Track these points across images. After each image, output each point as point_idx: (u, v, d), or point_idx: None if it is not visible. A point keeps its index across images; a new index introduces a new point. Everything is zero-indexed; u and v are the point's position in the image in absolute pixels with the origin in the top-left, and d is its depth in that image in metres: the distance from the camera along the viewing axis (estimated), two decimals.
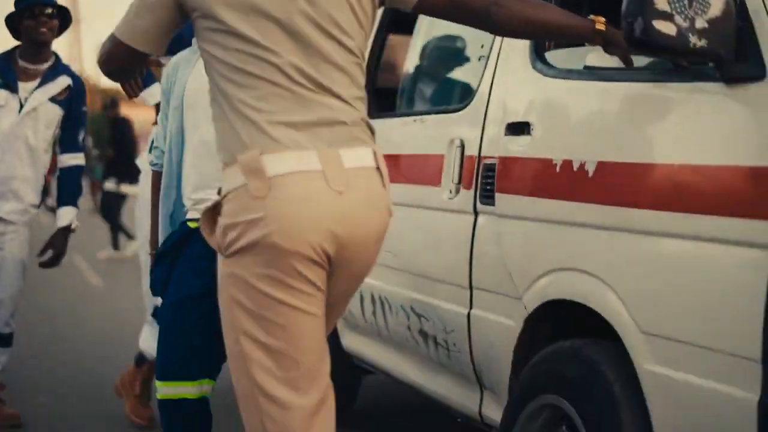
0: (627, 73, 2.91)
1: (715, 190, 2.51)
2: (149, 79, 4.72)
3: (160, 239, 3.77)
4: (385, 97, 4.76)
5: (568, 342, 3.08)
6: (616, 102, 2.96)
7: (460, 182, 3.71)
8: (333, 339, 4.98)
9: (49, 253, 4.90)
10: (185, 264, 3.57)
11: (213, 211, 2.58)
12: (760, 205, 2.38)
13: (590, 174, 2.97)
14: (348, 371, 5.07)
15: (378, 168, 2.61)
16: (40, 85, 4.88)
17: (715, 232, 2.49)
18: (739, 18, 2.53)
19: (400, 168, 4.23)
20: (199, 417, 3.63)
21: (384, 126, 4.54)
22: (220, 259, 2.57)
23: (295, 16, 2.50)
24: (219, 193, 2.58)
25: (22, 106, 4.81)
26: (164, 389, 3.59)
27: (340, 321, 4.92)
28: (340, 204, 2.49)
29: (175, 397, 3.58)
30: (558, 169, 3.12)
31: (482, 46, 3.77)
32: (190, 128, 3.60)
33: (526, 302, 3.27)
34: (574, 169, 3.03)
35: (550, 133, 3.23)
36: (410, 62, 4.53)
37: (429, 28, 4.41)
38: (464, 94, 3.86)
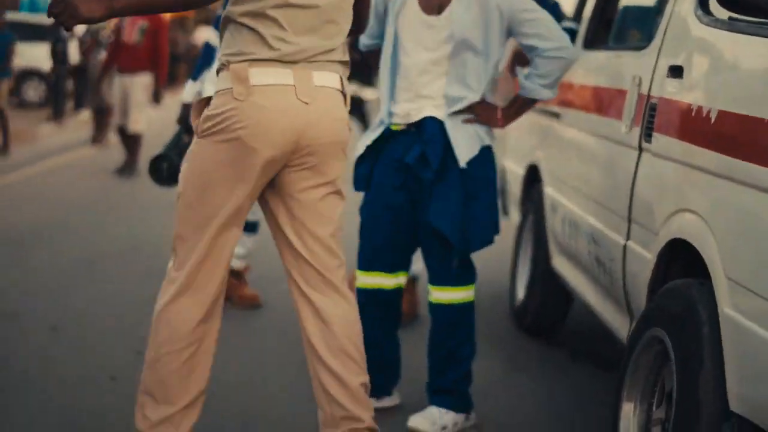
0: (753, 28, 2.95)
1: None
2: None
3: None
4: (605, 29, 4.88)
5: (681, 281, 3.21)
6: (744, 55, 3.02)
7: (634, 118, 3.85)
8: (546, 259, 5.26)
9: None
10: (385, 163, 4.00)
11: (203, 103, 3.21)
12: None
13: (712, 121, 3.07)
14: (557, 291, 5.32)
15: (342, 91, 3.22)
16: None
17: None
18: None
19: (601, 100, 4.39)
20: (393, 305, 4.09)
21: (597, 58, 4.71)
22: (195, 139, 3.20)
23: None
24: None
25: None
26: (364, 278, 4.07)
27: (552, 241, 5.17)
28: (305, 112, 3.12)
29: (373, 287, 4.05)
30: (693, 113, 3.22)
31: None
32: (402, 52, 3.97)
33: (660, 238, 3.41)
34: (702, 115, 3.14)
35: (694, 78, 3.32)
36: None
37: None
38: (651, 33, 3.95)
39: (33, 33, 18.37)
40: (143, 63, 11.00)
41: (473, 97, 3.91)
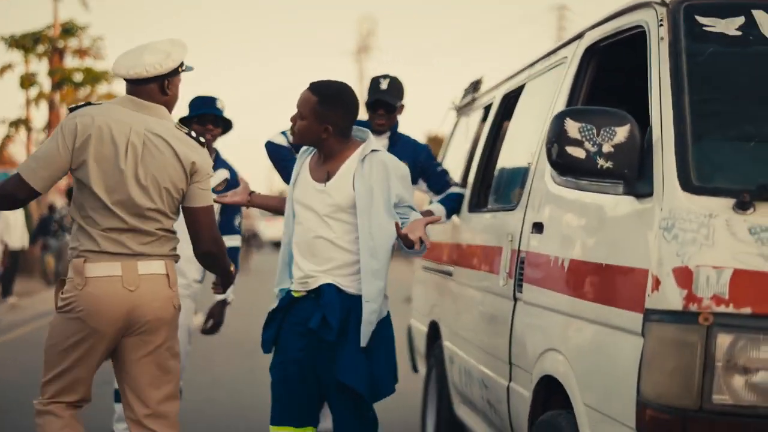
0: (600, 186, 3.42)
1: (613, 286, 3.03)
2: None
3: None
4: (486, 192, 5.39)
5: (550, 413, 3.60)
6: (586, 209, 3.49)
7: (508, 272, 4.28)
8: (449, 409, 5.60)
9: (210, 323, 5.77)
10: (289, 328, 4.36)
11: (61, 284, 4.04)
12: (636, 300, 2.88)
13: (565, 269, 3.51)
14: None
15: (167, 275, 4.01)
16: None
17: (618, 322, 3.00)
18: (643, 142, 3.05)
19: (483, 258, 4.83)
20: None
21: (479, 220, 5.18)
22: (54, 313, 4.06)
23: (131, 192, 3.93)
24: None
25: None
26: None
27: (453, 392, 5.53)
28: (130, 297, 3.92)
29: None
30: (551, 264, 3.67)
31: (532, 153, 4.34)
32: (298, 222, 4.38)
33: (533, 376, 3.80)
34: (558, 264, 3.58)
35: (551, 232, 3.79)
36: (500, 160, 5.15)
37: (513, 131, 5.02)
38: (519, 195, 4.43)
39: None
40: None
41: (351, 258, 4.29)
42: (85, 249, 3.91)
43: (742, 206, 2.78)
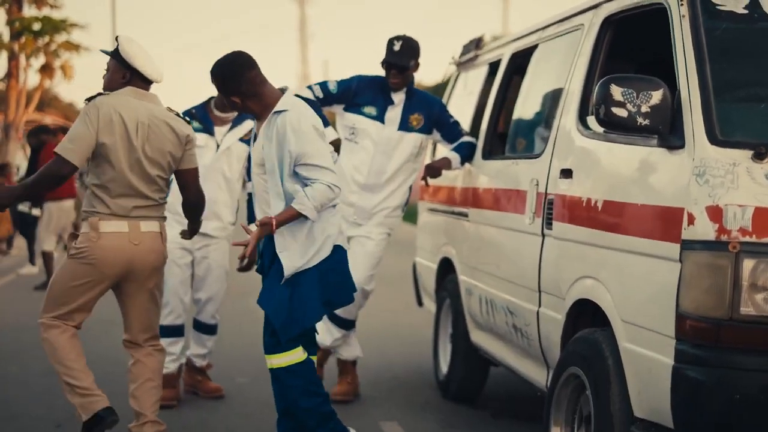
0: (621, 138, 4.07)
1: (649, 222, 3.71)
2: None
3: None
4: (499, 141, 6.03)
5: (588, 330, 4.28)
6: (617, 158, 4.15)
7: (535, 212, 4.94)
8: (465, 336, 6.28)
9: (245, 261, 6.36)
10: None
11: (74, 236, 4.97)
12: (673, 233, 3.56)
13: (599, 209, 4.17)
14: (476, 362, 6.33)
15: (161, 233, 4.99)
16: (230, 128, 6.30)
17: (655, 251, 3.68)
18: (674, 104, 3.71)
19: (504, 200, 5.48)
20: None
21: (496, 166, 5.83)
22: (66, 257, 4.99)
23: (142, 162, 4.88)
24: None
25: (218, 145, 6.27)
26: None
27: (469, 320, 6.20)
28: (135, 249, 4.90)
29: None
30: (584, 204, 4.33)
31: (556, 105, 4.98)
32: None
33: (567, 301, 4.48)
34: (591, 204, 4.24)
35: (581, 177, 4.44)
36: (516, 113, 5.79)
37: (529, 87, 5.66)
38: (543, 143, 5.07)
39: None
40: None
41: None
42: (99, 212, 4.85)
43: (759, 156, 3.46)
